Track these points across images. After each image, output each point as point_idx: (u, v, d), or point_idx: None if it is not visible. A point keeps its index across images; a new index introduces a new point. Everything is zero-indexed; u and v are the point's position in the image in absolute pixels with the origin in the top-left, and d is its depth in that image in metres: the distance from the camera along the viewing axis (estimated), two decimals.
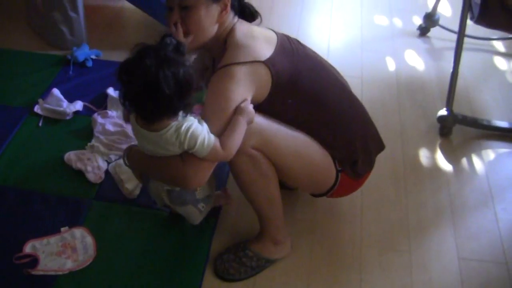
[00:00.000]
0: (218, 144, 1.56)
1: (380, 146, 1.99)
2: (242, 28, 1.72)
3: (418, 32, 3.17)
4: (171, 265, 1.94)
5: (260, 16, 1.80)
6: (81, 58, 2.79)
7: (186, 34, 1.65)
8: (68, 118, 2.50)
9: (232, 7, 1.70)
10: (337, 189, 1.88)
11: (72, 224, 2.05)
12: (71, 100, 2.56)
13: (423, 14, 3.14)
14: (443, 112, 2.50)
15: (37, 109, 2.53)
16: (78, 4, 2.80)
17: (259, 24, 1.79)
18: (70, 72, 2.77)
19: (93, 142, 2.35)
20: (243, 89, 1.61)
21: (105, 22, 3.17)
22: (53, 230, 2.03)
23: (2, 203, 2.15)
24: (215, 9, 1.65)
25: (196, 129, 1.53)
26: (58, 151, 2.32)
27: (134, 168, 1.79)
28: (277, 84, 1.66)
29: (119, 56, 2.77)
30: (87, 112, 2.52)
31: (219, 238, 2.04)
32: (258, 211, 1.88)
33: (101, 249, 1.98)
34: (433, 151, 2.44)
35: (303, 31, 3.19)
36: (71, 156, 2.28)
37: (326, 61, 1.89)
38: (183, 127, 1.52)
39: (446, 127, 2.50)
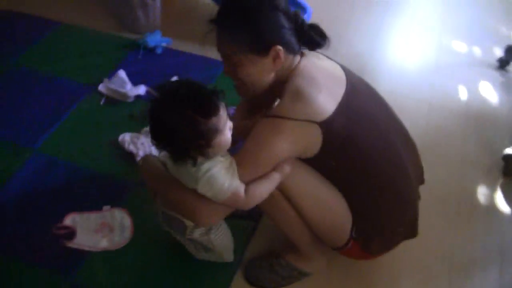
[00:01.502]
0: (242, 190, 1.49)
1: (412, 234, 1.83)
2: (306, 69, 1.56)
3: (497, 64, 3.03)
4: (202, 262, 1.91)
5: (328, 39, 1.59)
6: (151, 44, 2.82)
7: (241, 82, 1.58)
8: (129, 101, 2.54)
9: (289, 49, 1.54)
10: (346, 252, 1.78)
11: (114, 204, 2.07)
12: (135, 83, 2.60)
13: (504, 45, 3.00)
14: (509, 151, 2.38)
15: (101, 88, 2.58)
16: None
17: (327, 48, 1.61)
18: (139, 57, 2.81)
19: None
20: (289, 147, 1.50)
21: (180, 12, 3.19)
22: (96, 207, 2.06)
23: (50, 173, 2.21)
24: (265, 61, 1.53)
25: (217, 174, 1.46)
26: (114, 131, 2.35)
27: (146, 181, 1.72)
28: (326, 148, 1.54)
29: (188, 47, 2.83)
30: (148, 97, 2.55)
31: (256, 244, 2.01)
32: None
33: (137, 234, 1.99)
34: (492, 190, 2.32)
35: (378, 46, 3.12)
36: (125, 138, 2.31)
37: (391, 120, 1.73)
38: (204, 166, 1.47)
39: (510, 167, 2.37)
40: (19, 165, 2.23)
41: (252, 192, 1.51)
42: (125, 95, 2.53)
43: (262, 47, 1.51)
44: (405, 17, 3.39)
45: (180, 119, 1.39)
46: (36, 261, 1.91)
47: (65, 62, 2.77)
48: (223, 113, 1.44)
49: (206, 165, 1.46)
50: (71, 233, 1.96)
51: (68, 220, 2.00)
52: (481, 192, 2.30)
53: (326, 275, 1.93)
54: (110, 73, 2.66)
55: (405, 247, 1.99)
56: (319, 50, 1.64)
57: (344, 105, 1.54)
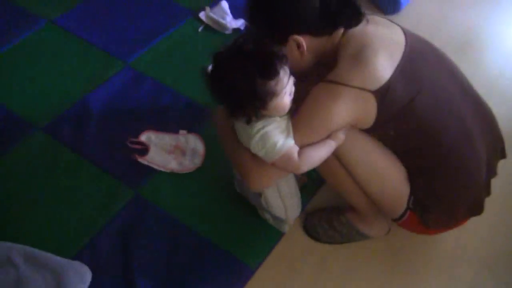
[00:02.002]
0: (295, 152, 1.44)
1: (476, 211, 1.71)
2: (355, 38, 1.48)
3: None
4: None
5: (363, 15, 1.49)
6: None
7: None
8: (227, 32, 2.53)
9: (317, 33, 1.49)
10: (404, 223, 1.71)
11: (191, 129, 2.10)
12: (236, 16, 2.58)
13: None
14: None
15: (202, 15, 2.59)
16: None
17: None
18: None
19: None
20: (344, 114, 1.44)
21: None
22: (173, 129, 2.10)
23: (137, 88, 2.27)
24: (289, 49, 1.49)
25: (270, 132, 1.43)
26: (204, 60, 2.32)
27: (218, 134, 1.71)
28: (383, 116, 1.46)
29: None
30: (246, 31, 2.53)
31: (321, 197, 1.98)
32: None
33: (207, 163, 2.02)
34: None
35: (491, 22, 2.90)
36: None
37: (460, 89, 1.61)
38: (258, 124, 1.44)
39: None
40: (110, 75, 2.30)
41: (305, 156, 1.46)
42: (224, 26, 2.52)
43: (279, 38, 1.47)
44: None
45: (238, 75, 1.37)
46: (108, 167, 1.99)
47: None
48: (283, 76, 1.38)
49: (261, 123, 1.44)
50: (144, 149, 2.02)
51: (143, 137, 2.05)
52: None
53: (384, 243, 1.88)
54: (213, 2, 2.64)
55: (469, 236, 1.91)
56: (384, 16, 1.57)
57: (403, 69, 1.45)
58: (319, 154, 1.48)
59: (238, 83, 1.38)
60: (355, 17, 1.48)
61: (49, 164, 2.01)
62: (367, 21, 1.53)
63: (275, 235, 1.87)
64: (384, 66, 1.43)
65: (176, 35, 2.52)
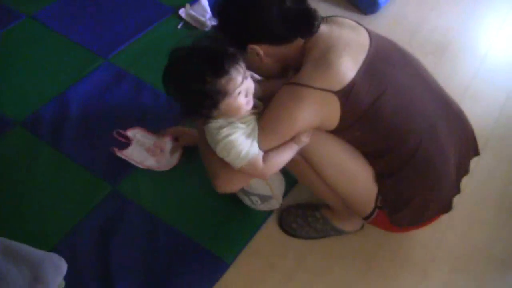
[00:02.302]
0: (259, 159, 1.48)
1: (445, 209, 1.74)
2: (321, 39, 1.52)
3: None
4: (238, 202, 1.91)
5: (316, 27, 1.50)
6: None
7: None
8: (206, 29, 2.55)
9: (276, 42, 1.53)
10: (374, 222, 1.74)
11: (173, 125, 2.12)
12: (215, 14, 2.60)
13: None
14: None
15: (181, 12, 2.61)
16: None
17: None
18: None
19: None
20: (308, 116, 1.48)
21: None
22: (152, 126, 2.12)
23: (117, 84, 2.29)
24: (250, 54, 1.54)
25: (235, 140, 1.45)
26: None
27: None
28: (347, 117, 1.49)
29: None
30: None
31: (297, 193, 2.01)
32: None
33: (185, 159, 2.04)
34: None
35: (469, 26, 2.94)
36: None
37: (427, 88, 1.64)
38: (223, 130, 1.46)
39: None
40: (89, 70, 2.31)
41: (269, 161, 1.50)
42: (203, 23, 2.54)
43: (238, 45, 1.48)
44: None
45: (189, 72, 1.41)
46: (86, 162, 2.00)
47: None
48: (235, 76, 1.40)
49: (226, 130, 1.46)
50: (125, 144, 2.04)
51: (130, 132, 2.07)
52: None
53: (361, 240, 1.91)
54: (194, 0, 2.66)
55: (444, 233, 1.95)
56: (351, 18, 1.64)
57: (367, 70, 1.48)
58: (282, 158, 1.52)
59: (188, 80, 1.41)
60: (311, 28, 1.50)
61: (27, 158, 2.01)
62: (333, 22, 1.57)
63: (251, 230, 1.89)
64: (348, 67, 1.46)
65: (156, 31, 2.53)
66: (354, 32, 1.57)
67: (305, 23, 1.50)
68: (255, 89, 1.51)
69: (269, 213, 1.93)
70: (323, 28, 1.54)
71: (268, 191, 1.78)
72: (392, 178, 1.63)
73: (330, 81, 1.44)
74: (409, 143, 1.57)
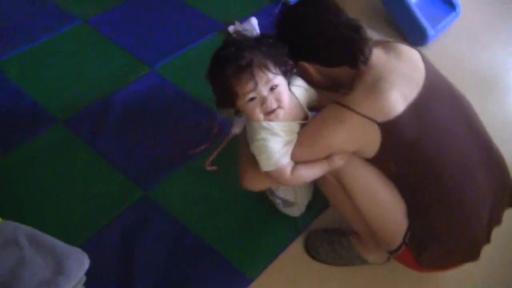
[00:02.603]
0: (288, 169, 1.51)
1: (471, 257, 1.69)
2: (379, 67, 1.51)
3: None
4: (270, 215, 1.95)
5: (365, 57, 1.51)
6: (292, 0, 2.84)
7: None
8: None
9: (326, 64, 1.55)
10: (398, 257, 1.71)
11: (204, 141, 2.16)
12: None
13: None
14: None
15: (231, 29, 2.66)
16: None
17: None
18: (276, 10, 2.83)
19: None
20: (346, 139, 1.48)
21: None
22: (190, 136, 2.17)
23: (160, 93, 2.35)
24: (301, 68, 1.58)
25: (271, 146, 1.48)
26: None
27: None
28: (386, 149, 1.48)
29: None
30: None
31: (326, 217, 2.00)
32: None
33: (218, 174, 2.06)
34: None
35: None
36: None
37: (472, 133, 1.61)
38: (262, 132, 1.49)
39: None
40: (135, 78, 2.38)
41: (297, 173, 1.52)
42: None
43: (292, 59, 1.54)
44: None
45: (214, 62, 1.52)
46: (121, 166, 2.05)
47: None
48: (246, 81, 1.42)
49: (264, 134, 1.48)
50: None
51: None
52: None
53: (385, 273, 1.88)
54: (244, 18, 2.71)
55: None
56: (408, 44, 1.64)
57: (417, 107, 1.47)
58: (310, 173, 1.54)
59: (212, 70, 1.52)
60: (356, 60, 1.50)
61: (65, 156, 2.08)
62: (392, 50, 1.56)
63: (276, 248, 1.89)
64: (397, 101, 1.45)
65: (203, 46, 2.58)
66: (411, 66, 1.55)
67: (351, 53, 1.50)
68: (310, 99, 1.57)
69: (296, 233, 1.93)
70: (381, 54, 1.54)
71: (292, 198, 1.80)
72: (424, 216, 1.60)
73: (376, 111, 1.44)
74: (445, 184, 1.54)
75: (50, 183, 2.00)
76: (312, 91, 1.66)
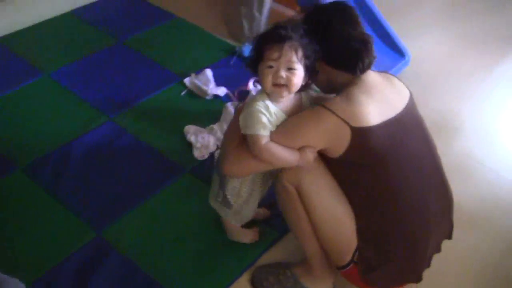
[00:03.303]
0: (263, 139, 1.62)
1: (413, 279, 1.82)
2: (367, 82, 1.69)
3: None
4: (217, 251, 2.04)
5: (363, 66, 1.68)
6: (246, 53, 2.99)
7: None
8: (207, 98, 2.72)
9: (335, 66, 1.70)
10: (346, 274, 1.81)
11: (163, 184, 2.28)
12: (218, 84, 2.78)
13: None
14: None
15: (186, 80, 2.79)
16: (264, 5, 3.02)
17: None
18: (231, 62, 2.99)
19: (215, 125, 2.52)
20: (320, 135, 1.63)
21: None
22: (146, 185, 2.27)
23: (117, 142, 2.45)
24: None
25: (260, 116, 1.62)
26: (183, 121, 2.54)
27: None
28: (351, 153, 1.63)
29: None
30: (226, 99, 2.72)
31: (273, 254, 2.08)
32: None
33: (172, 220, 2.16)
34: None
35: (470, 108, 3.03)
36: (190, 129, 2.49)
37: (433, 168, 1.77)
38: (260, 104, 1.63)
39: None
40: (93, 127, 2.50)
41: (270, 147, 1.63)
42: (205, 92, 2.71)
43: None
44: (508, 87, 3.28)
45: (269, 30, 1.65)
46: (76, 209, 2.14)
47: (165, 51, 3.04)
48: (275, 50, 1.58)
49: (261, 105, 1.63)
50: None
51: None
52: None
53: None
54: (199, 70, 2.85)
55: None
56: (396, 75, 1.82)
57: (388, 127, 1.63)
58: (281, 153, 1.65)
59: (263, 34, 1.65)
60: (354, 66, 1.67)
61: (21, 200, 2.17)
62: (386, 78, 1.75)
63: (224, 283, 1.96)
64: (371, 115, 1.61)
65: (160, 97, 2.72)
66: (397, 93, 1.73)
67: (353, 60, 1.66)
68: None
69: (243, 268, 2.00)
70: (375, 76, 1.72)
71: (232, 200, 1.87)
72: (374, 238, 1.72)
73: (350, 116, 1.59)
74: (400, 207, 1.68)
75: (2, 224, 2.08)
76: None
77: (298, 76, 1.62)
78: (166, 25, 3.26)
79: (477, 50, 3.53)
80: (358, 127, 1.59)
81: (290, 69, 1.60)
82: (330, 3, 1.75)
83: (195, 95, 2.74)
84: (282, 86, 1.61)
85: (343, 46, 1.67)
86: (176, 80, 2.82)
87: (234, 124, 1.76)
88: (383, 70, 2.88)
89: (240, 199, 1.88)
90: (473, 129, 2.88)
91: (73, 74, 2.81)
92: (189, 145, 2.43)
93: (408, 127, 1.71)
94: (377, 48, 3.10)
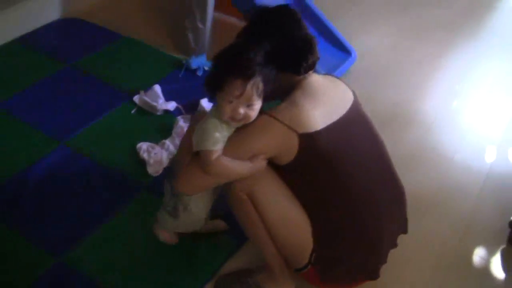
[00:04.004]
0: (215, 154, 1.63)
1: (372, 276, 1.87)
2: (311, 85, 1.73)
3: None
4: (180, 265, 2.05)
5: (307, 66, 1.73)
6: (194, 65, 3.02)
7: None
8: (158, 113, 2.73)
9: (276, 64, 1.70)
10: (305, 276, 1.85)
11: (120, 203, 2.28)
12: (168, 99, 2.80)
13: None
14: None
15: (136, 98, 2.79)
16: (207, 17, 3.04)
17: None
18: (180, 76, 3.01)
19: (167, 140, 2.53)
20: (268, 145, 1.66)
21: (228, 38, 3.34)
22: (104, 203, 2.28)
23: (71, 165, 2.45)
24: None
25: (213, 131, 1.63)
26: (135, 138, 2.55)
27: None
28: (300, 160, 1.66)
29: None
30: (177, 113, 2.73)
31: (236, 262, 2.10)
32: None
33: (131, 237, 2.16)
34: (491, 254, 2.26)
35: (418, 99, 3.11)
36: (142, 146, 2.49)
37: (380, 164, 1.83)
38: (214, 121, 1.65)
39: None
40: (45, 153, 2.47)
41: (221, 162, 1.64)
42: (154, 108, 2.72)
43: None
44: (456, 75, 3.37)
45: (229, 55, 1.63)
46: (33, 237, 2.12)
47: (114, 71, 3.04)
48: (236, 87, 1.57)
49: (213, 122, 1.65)
50: None
51: None
52: (479, 254, 2.25)
53: None
54: (148, 87, 2.86)
55: None
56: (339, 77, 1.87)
57: (333, 130, 1.67)
58: (233, 166, 1.67)
59: (223, 59, 1.64)
60: (299, 67, 1.71)
61: None
62: (328, 79, 1.81)
63: None
64: (317, 119, 1.65)
65: (111, 117, 2.72)
66: (341, 95, 1.79)
67: (297, 60, 1.71)
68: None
69: (206, 279, 2.02)
70: (319, 78, 1.76)
71: (181, 209, 1.87)
72: (328, 239, 1.75)
73: (296, 123, 1.63)
74: (351, 209, 1.73)
75: None
76: None
77: (256, 110, 1.64)
78: (113, 45, 3.26)
79: (422, 40, 3.64)
80: (305, 133, 1.62)
81: (249, 105, 1.61)
82: (273, 7, 1.78)
83: (146, 112, 2.75)
84: (239, 120, 1.63)
85: (288, 47, 1.71)
86: (126, 99, 2.82)
87: (186, 142, 1.78)
88: (332, 69, 3.00)
89: (190, 207, 1.87)
90: (424, 118, 2.96)
91: (21, 102, 2.77)
92: (143, 162, 2.43)
93: (354, 127, 1.76)
94: (324, 48, 3.22)
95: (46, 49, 3.18)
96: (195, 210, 1.88)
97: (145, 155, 2.44)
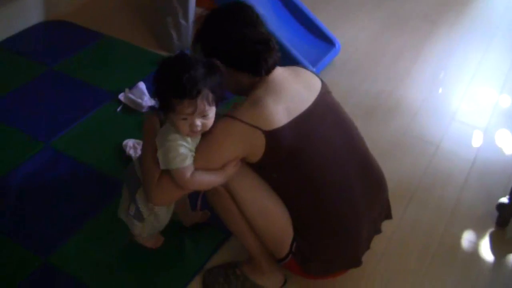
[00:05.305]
0: (188, 171, 1.62)
1: (354, 264, 1.87)
2: (274, 82, 1.71)
3: None
4: (166, 260, 2.05)
5: (267, 67, 1.71)
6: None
7: None
8: (143, 110, 2.73)
9: (232, 66, 1.71)
10: (287, 266, 1.86)
11: (105, 202, 2.26)
12: (153, 96, 2.77)
13: None
14: (504, 200, 2.32)
15: (121, 96, 2.79)
16: (189, 13, 3.05)
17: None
18: None
19: None
20: (235, 147, 1.65)
21: None
22: (89, 202, 2.27)
23: (56, 166, 2.43)
24: None
25: (178, 147, 1.60)
26: (121, 136, 2.54)
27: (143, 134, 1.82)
28: (269, 156, 1.66)
29: None
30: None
31: (223, 255, 2.10)
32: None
33: (113, 237, 2.15)
34: (479, 238, 2.27)
35: (401, 88, 3.12)
36: (129, 143, 2.49)
37: (352, 151, 1.80)
38: (175, 136, 1.61)
39: (503, 216, 2.31)
40: (29, 156, 2.46)
41: (196, 177, 1.63)
42: (139, 105, 2.72)
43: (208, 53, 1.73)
44: (437, 64, 3.39)
45: (167, 79, 1.57)
46: (20, 239, 2.11)
47: (98, 71, 3.04)
48: (187, 106, 1.54)
49: (176, 137, 1.60)
50: None
51: None
52: (468, 239, 2.26)
53: None
54: (132, 84, 2.85)
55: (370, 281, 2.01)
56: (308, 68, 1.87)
57: (298, 124, 1.65)
58: (207, 179, 1.66)
59: (163, 83, 1.59)
60: (258, 69, 1.69)
61: None
62: (293, 71, 1.78)
63: None
64: (280, 115, 1.64)
65: (96, 116, 2.71)
66: (305, 86, 1.75)
67: (255, 62, 1.68)
68: None
69: (193, 273, 2.02)
70: (282, 72, 1.74)
71: (146, 214, 1.84)
72: (305, 229, 1.75)
73: (260, 121, 1.62)
74: (323, 200, 1.72)
75: None
76: None
77: (212, 117, 1.63)
78: (96, 45, 3.26)
79: (402, 31, 3.66)
80: (270, 130, 1.62)
81: (204, 116, 1.60)
82: (226, 4, 1.76)
83: (131, 109, 2.75)
84: (199, 132, 1.62)
85: (241, 48, 1.69)
86: (111, 98, 2.81)
87: (149, 155, 1.71)
88: (316, 60, 3.00)
89: (155, 209, 1.86)
90: (408, 107, 2.97)
91: (4, 105, 2.77)
92: (130, 159, 2.42)
93: (322, 117, 1.73)
94: (307, 40, 3.21)
95: (29, 52, 3.17)
96: (161, 212, 1.87)
97: (131, 152, 2.43)
